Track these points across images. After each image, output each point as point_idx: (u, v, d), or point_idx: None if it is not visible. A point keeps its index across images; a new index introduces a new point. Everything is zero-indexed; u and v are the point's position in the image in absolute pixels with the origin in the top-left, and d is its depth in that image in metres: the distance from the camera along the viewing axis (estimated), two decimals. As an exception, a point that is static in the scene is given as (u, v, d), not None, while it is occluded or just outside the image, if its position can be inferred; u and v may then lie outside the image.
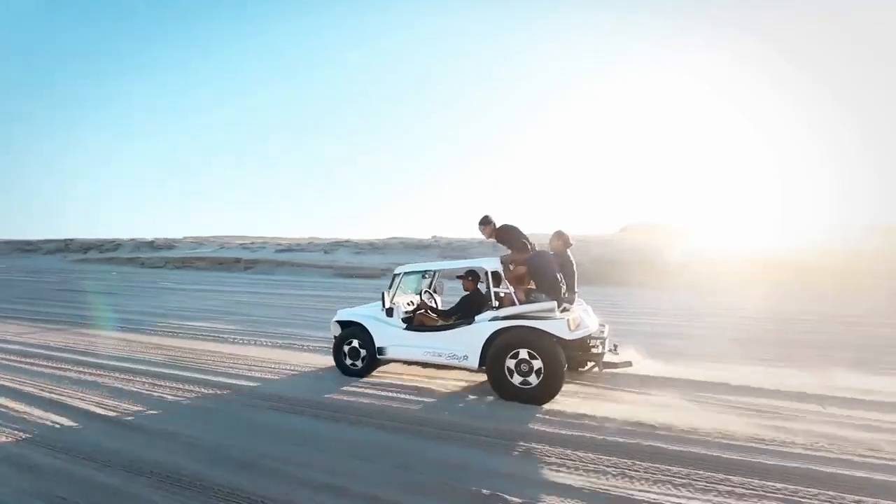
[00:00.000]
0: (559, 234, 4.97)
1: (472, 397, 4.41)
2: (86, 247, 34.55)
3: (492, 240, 4.91)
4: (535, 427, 3.64)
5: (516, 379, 4.13)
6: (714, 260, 14.92)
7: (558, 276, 4.39)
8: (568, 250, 4.93)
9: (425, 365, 4.80)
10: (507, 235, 4.68)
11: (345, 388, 4.60)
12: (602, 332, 4.71)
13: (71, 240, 37.37)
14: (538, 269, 4.40)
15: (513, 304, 4.33)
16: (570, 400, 4.22)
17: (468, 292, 4.97)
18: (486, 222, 4.78)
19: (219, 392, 4.58)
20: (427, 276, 5.79)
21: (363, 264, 21.55)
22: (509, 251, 4.70)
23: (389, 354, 4.84)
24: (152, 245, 32.31)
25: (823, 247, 15.42)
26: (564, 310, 4.33)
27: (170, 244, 31.92)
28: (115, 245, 33.66)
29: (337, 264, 22.29)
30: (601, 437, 3.40)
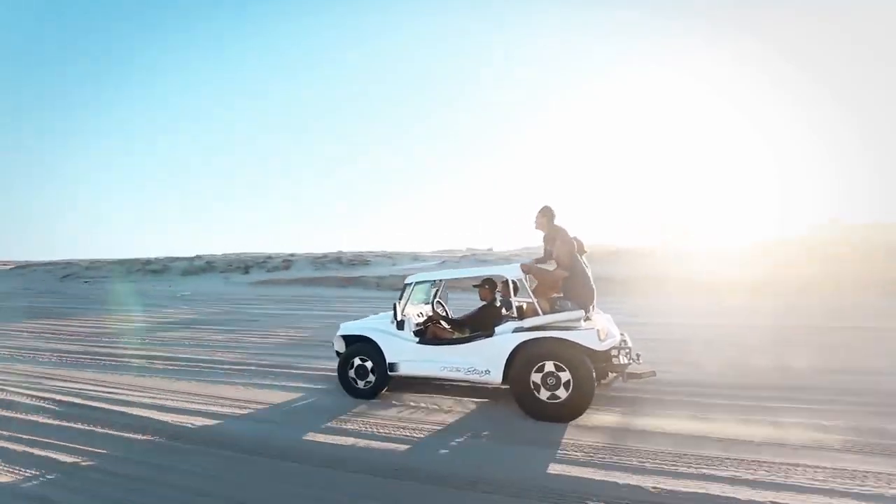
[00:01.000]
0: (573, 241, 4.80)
1: (465, 435, 3.72)
2: (238, 265, 27.51)
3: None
4: (556, 471, 3.03)
5: (543, 394, 3.89)
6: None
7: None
8: (583, 257, 4.77)
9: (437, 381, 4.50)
10: (560, 236, 4.34)
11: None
12: (624, 341, 4.54)
13: (199, 256, 31.94)
14: (572, 275, 4.19)
15: (535, 313, 4.11)
16: (599, 417, 4.00)
17: (485, 302, 4.71)
18: (547, 213, 4.48)
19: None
20: (435, 285, 5.50)
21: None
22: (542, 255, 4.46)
23: (402, 371, 4.51)
24: (339, 261, 26.35)
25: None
26: (587, 318, 4.15)
27: (362, 260, 26.64)
28: (286, 262, 27.09)
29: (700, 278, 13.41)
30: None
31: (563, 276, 4.20)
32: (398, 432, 3.80)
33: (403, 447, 3.53)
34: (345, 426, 3.95)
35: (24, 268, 35.81)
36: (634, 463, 3.12)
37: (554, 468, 3.09)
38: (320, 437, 3.74)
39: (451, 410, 4.24)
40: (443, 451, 3.46)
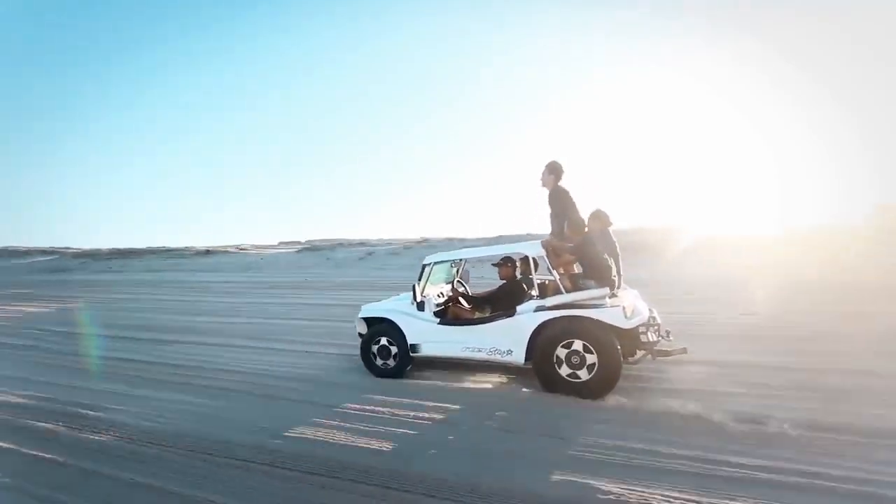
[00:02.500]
0: (597, 215, 4.56)
1: (470, 431, 3.30)
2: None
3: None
4: (568, 476, 2.62)
5: (567, 373, 3.79)
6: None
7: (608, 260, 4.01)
8: (609, 230, 4.55)
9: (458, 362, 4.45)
10: (561, 203, 3.93)
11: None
12: (653, 317, 4.35)
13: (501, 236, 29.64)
14: (586, 253, 4.01)
15: (558, 292, 3.97)
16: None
17: (505, 280, 4.60)
18: (554, 169, 3.98)
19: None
20: (454, 265, 5.42)
21: None
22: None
23: (424, 352, 4.50)
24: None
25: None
26: (613, 296, 3.98)
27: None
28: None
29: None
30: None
31: (572, 260, 4.01)
32: (396, 428, 3.41)
33: (403, 446, 3.14)
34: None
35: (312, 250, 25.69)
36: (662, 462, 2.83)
37: (562, 472, 2.68)
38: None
39: (461, 397, 3.98)
40: (444, 450, 3.08)
